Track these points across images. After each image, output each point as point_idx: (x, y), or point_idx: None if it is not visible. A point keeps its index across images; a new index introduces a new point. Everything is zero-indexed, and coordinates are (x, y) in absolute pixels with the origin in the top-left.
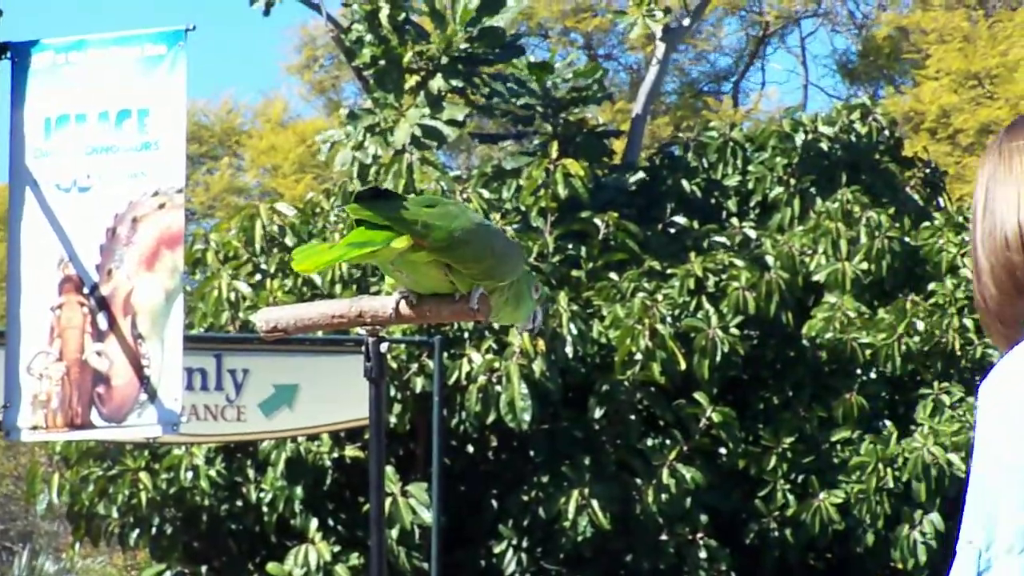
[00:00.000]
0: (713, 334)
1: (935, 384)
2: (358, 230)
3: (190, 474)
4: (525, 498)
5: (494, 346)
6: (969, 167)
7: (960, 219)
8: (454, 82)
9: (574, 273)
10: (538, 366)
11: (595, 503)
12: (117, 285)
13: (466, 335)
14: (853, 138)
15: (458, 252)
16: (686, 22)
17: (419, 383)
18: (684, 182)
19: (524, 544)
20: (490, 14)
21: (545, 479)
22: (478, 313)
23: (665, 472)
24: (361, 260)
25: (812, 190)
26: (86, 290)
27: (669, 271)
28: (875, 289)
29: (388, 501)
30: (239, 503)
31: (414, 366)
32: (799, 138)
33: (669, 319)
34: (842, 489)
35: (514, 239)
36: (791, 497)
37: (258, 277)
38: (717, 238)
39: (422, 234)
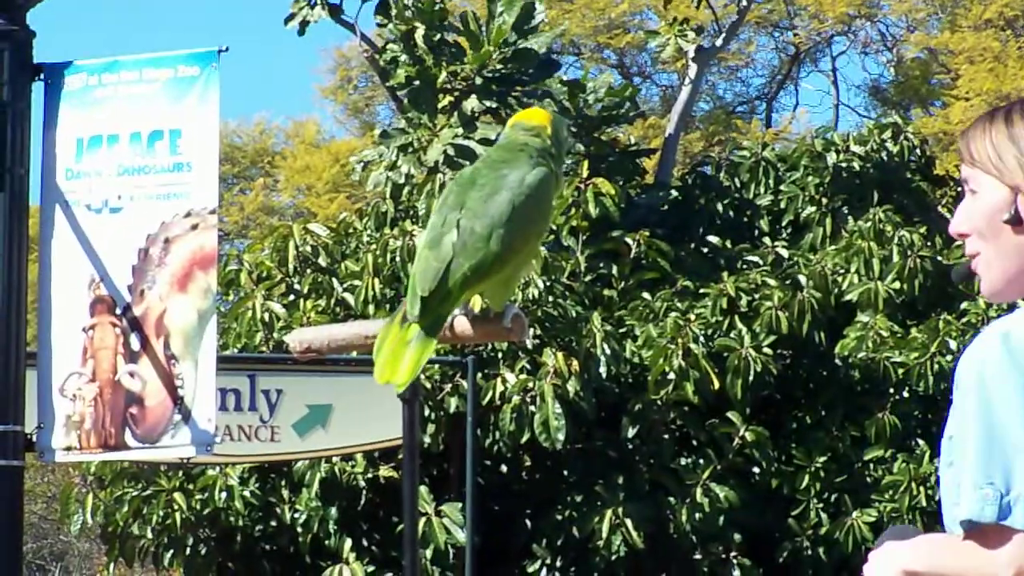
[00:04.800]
0: (746, 353)
1: None
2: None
3: (224, 494)
4: (559, 517)
5: (527, 366)
6: None
7: None
8: (488, 102)
9: (606, 292)
10: (572, 386)
11: (628, 522)
12: (150, 306)
13: (500, 355)
14: (884, 157)
15: (508, 258)
16: (718, 42)
17: (453, 403)
18: (716, 202)
19: (558, 563)
20: (524, 36)
21: (579, 498)
22: (511, 333)
23: (698, 491)
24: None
25: (844, 209)
26: (118, 311)
27: (702, 290)
28: (907, 308)
29: (422, 521)
30: (273, 523)
31: (448, 386)
32: (831, 158)
33: (702, 338)
34: (875, 508)
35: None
36: (824, 516)
37: (291, 297)
38: (749, 257)
39: (475, 280)
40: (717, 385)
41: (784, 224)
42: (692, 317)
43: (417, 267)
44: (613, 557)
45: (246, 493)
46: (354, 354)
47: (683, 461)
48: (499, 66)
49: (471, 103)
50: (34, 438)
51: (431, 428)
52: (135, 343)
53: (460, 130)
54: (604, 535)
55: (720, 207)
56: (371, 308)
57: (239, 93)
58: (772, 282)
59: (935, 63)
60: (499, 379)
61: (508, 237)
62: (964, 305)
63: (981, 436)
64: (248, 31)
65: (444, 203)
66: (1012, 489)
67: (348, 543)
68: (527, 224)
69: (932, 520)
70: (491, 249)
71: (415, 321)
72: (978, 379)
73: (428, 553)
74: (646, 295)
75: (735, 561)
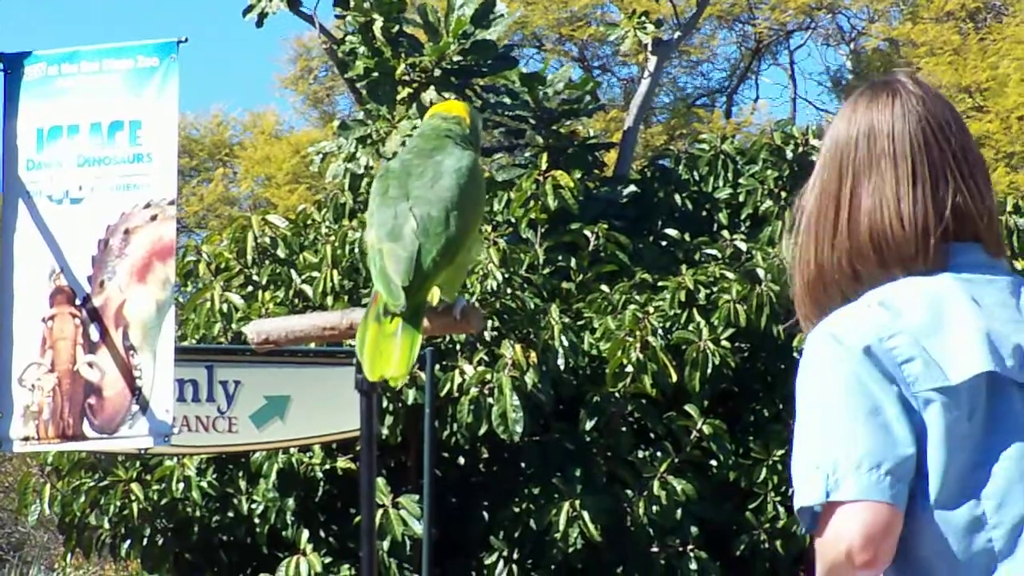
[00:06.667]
0: (704, 346)
1: None
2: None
3: (181, 485)
4: (516, 509)
5: (486, 358)
6: None
7: None
8: (447, 94)
9: (564, 285)
10: (530, 378)
11: (586, 515)
12: (109, 296)
13: (458, 347)
14: None
15: (464, 239)
16: (678, 35)
17: (411, 395)
18: (675, 195)
19: (515, 555)
20: (483, 27)
21: (536, 491)
22: (467, 324)
23: (656, 484)
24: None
25: None
26: (78, 301)
27: (660, 283)
28: None
29: (379, 513)
30: (230, 514)
31: (406, 377)
32: (790, 151)
33: (660, 331)
34: None
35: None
36: (781, 509)
37: (250, 288)
38: (708, 251)
39: (444, 263)
40: (675, 378)
41: (743, 217)
42: (650, 310)
43: (385, 261)
44: (570, 549)
45: (203, 484)
46: (312, 345)
47: (640, 454)
48: (457, 58)
49: (430, 95)
50: None
51: (389, 420)
52: (94, 334)
53: (419, 122)
54: (561, 527)
55: (679, 200)
56: (329, 300)
57: (195, 84)
58: (730, 275)
59: (896, 55)
60: (457, 371)
61: (462, 217)
62: None
63: (809, 424)
64: (203, 21)
65: (385, 196)
66: (838, 469)
67: (305, 534)
68: (473, 204)
69: None
70: (451, 231)
71: (399, 312)
72: (803, 368)
73: (385, 545)
74: (604, 288)
75: (692, 554)
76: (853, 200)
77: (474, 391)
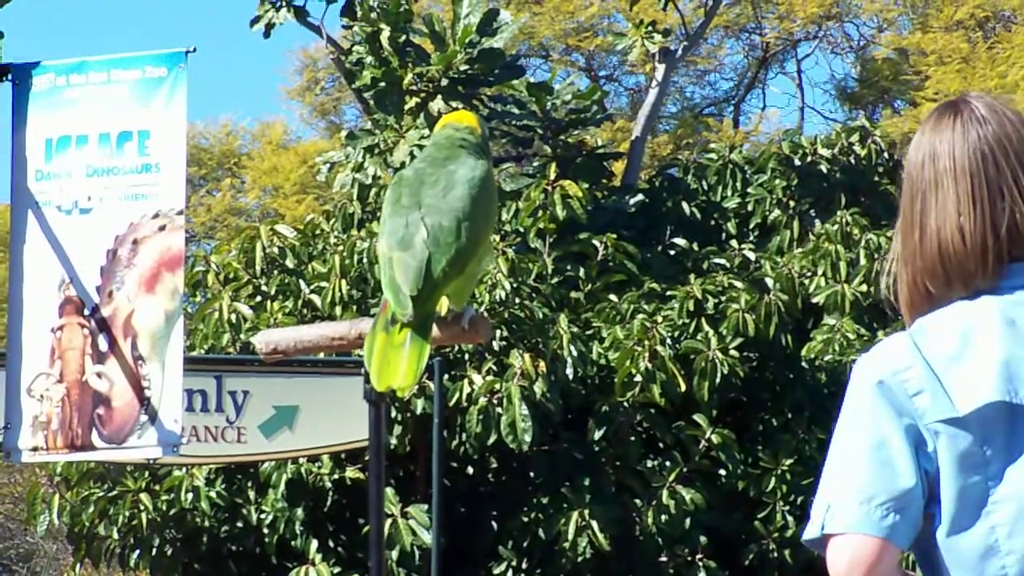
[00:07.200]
0: (713, 356)
1: None
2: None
3: (190, 495)
4: (525, 519)
5: (494, 367)
6: None
7: None
8: (454, 103)
9: (573, 295)
10: (539, 387)
11: (595, 524)
12: (118, 307)
13: (466, 356)
14: (852, 160)
15: (475, 249)
16: (685, 45)
17: (419, 404)
18: (684, 204)
19: (524, 565)
20: (488, 35)
21: (545, 500)
22: (475, 334)
23: (665, 493)
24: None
25: (811, 212)
26: (87, 312)
27: (669, 293)
28: (874, 311)
29: (388, 522)
30: (239, 524)
31: (414, 387)
32: (798, 160)
33: (669, 341)
34: None
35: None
36: (790, 519)
37: (258, 299)
38: (716, 260)
39: (454, 273)
40: (683, 387)
41: (751, 227)
42: (659, 319)
43: (395, 270)
44: (579, 559)
45: (212, 494)
46: (321, 355)
47: (649, 463)
48: (464, 67)
49: (437, 104)
50: (1, 438)
51: (397, 429)
52: (103, 344)
53: (426, 131)
54: (570, 537)
55: (688, 209)
56: (338, 310)
57: (205, 94)
58: (739, 284)
59: (906, 63)
60: (466, 381)
61: (473, 228)
62: None
63: (829, 457)
64: (213, 31)
65: (397, 204)
66: (834, 504)
67: (314, 544)
68: (485, 214)
69: None
70: (462, 241)
71: (407, 322)
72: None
73: (394, 554)
74: (613, 297)
75: (701, 563)
76: (923, 220)
77: (483, 401)
